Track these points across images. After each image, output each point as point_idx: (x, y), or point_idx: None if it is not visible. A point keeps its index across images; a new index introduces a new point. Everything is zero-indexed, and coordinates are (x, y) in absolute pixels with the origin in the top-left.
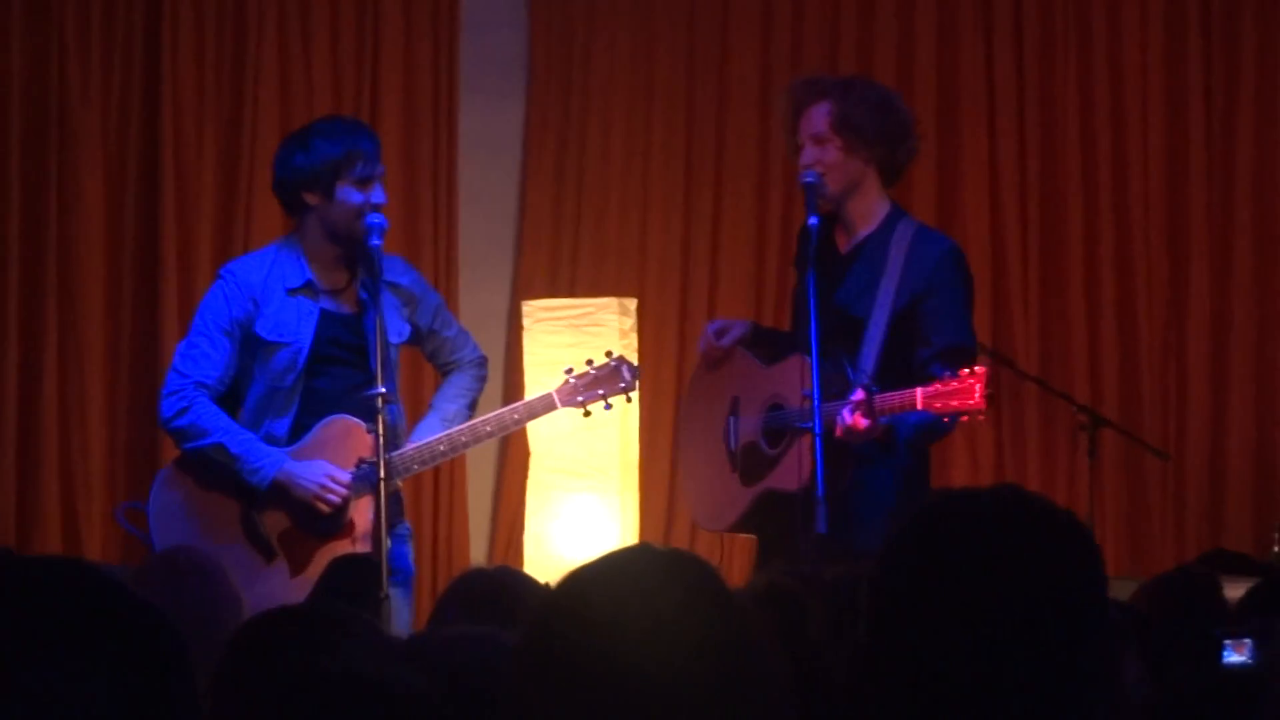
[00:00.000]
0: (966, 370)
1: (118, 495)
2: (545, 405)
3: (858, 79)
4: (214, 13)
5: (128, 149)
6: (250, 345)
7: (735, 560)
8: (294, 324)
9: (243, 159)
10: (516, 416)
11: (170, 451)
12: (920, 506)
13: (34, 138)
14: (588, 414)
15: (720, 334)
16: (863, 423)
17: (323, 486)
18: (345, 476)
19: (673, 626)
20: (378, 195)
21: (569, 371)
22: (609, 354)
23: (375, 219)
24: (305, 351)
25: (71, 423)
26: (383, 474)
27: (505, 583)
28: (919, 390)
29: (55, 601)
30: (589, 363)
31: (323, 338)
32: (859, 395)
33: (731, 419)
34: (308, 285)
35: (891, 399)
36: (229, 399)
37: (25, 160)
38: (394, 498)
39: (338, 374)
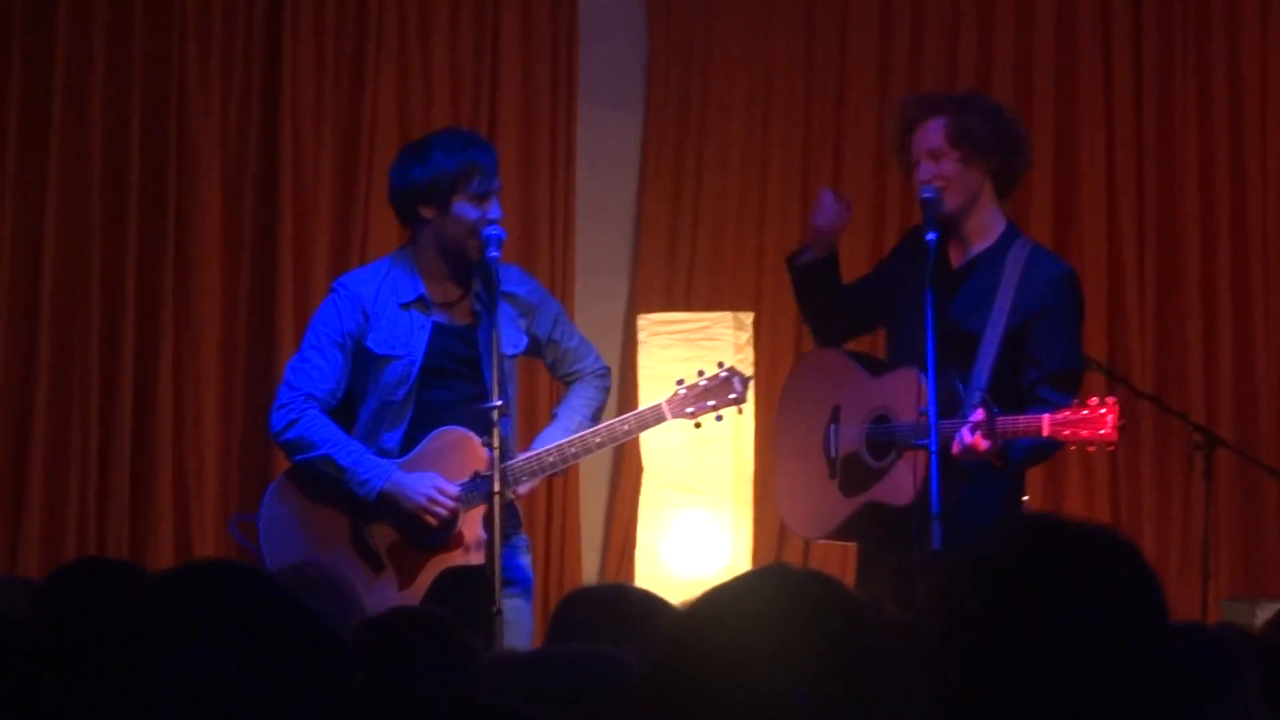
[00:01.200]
0: (1096, 400)
1: (230, 504)
2: (655, 416)
3: (969, 92)
4: (334, 20)
5: (246, 157)
6: (362, 359)
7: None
8: (406, 338)
9: (360, 168)
10: (626, 428)
11: (284, 461)
12: (990, 532)
13: (153, 145)
14: (698, 425)
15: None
16: (984, 444)
17: (430, 499)
18: (454, 489)
19: (805, 649)
20: (494, 210)
21: (680, 383)
22: (720, 365)
23: (493, 231)
24: (418, 365)
25: (186, 431)
26: (498, 487)
27: (616, 600)
28: (1047, 417)
29: (229, 606)
30: (700, 374)
31: (435, 351)
32: (979, 415)
33: (832, 427)
34: (420, 300)
35: (1016, 423)
36: (343, 413)
37: (144, 168)
38: (509, 510)
39: (451, 386)
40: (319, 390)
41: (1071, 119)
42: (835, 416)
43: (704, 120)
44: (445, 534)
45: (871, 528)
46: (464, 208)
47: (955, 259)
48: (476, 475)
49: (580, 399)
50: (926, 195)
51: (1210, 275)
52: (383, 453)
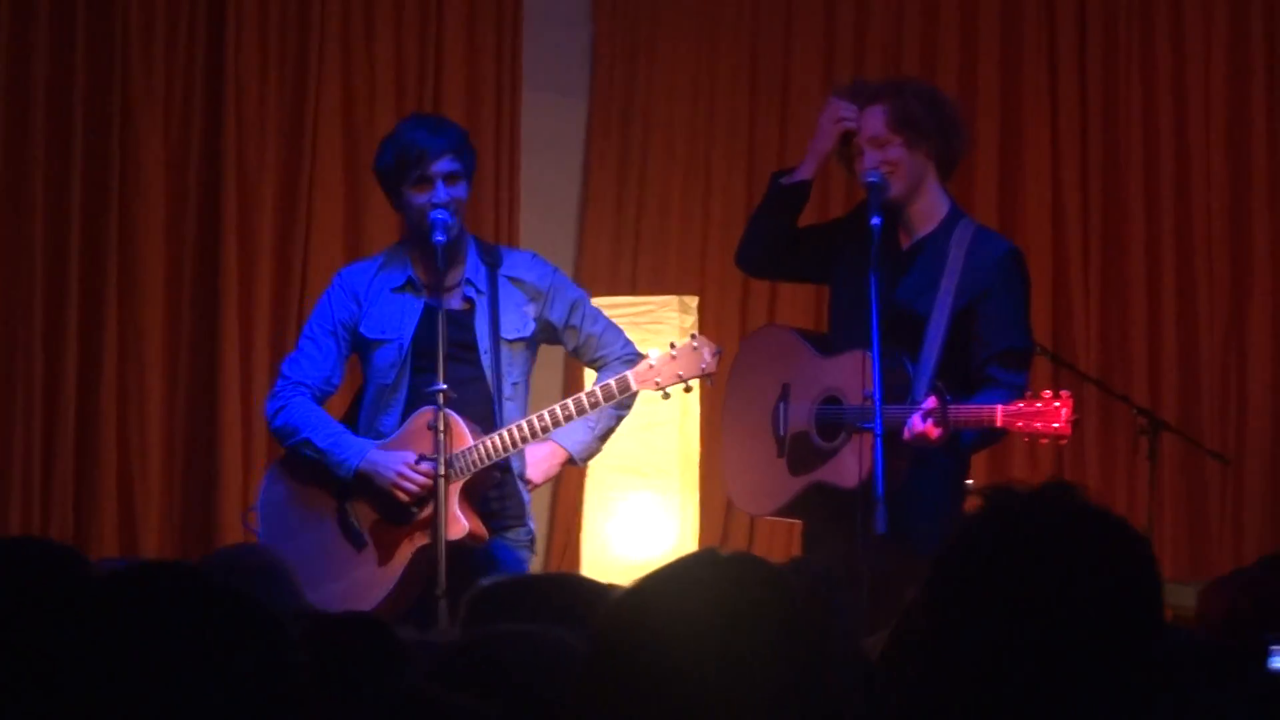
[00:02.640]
0: (1050, 393)
1: (174, 495)
2: (621, 386)
3: (905, 78)
4: (278, 10)
5: (190, 147)
6: (359, 346)
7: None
8: (396, 320)
9: (305, 157)
10: (593, 400)
11: (230, 450)
12: (975, 511)
13: (97, 137)
14: (666, 396)
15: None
16: (935, 431)
17: (400, 474)
18: (426, 465)
19: (739, 631)
20: (439, 193)
21: (648, 355)
22: (693, 336)
23: (437, 215)
24: (407, 346)
25: (129, 422)
26: (442, 470)
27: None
28: (1000, 407)
29: (176, 609)
30: (671, 345)
31: (426, 333)
32: (932, 403)
33: (782, 405)
34: (409, 282)
35: (968, 412)
36: (353, 405)
37: (88, 160)
38: (515, 502)
39: (449, 369)
40: (310, 379)
41: (1016, 105)
42: (785, 395)
43: (648, 105)
44: (420, 509)
45: (817, 508)
46: (411, 195)
47: (903, 242)
48: (453, 455)
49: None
50: (872, 179)
51: (1155, 259)
52: (380, 438)
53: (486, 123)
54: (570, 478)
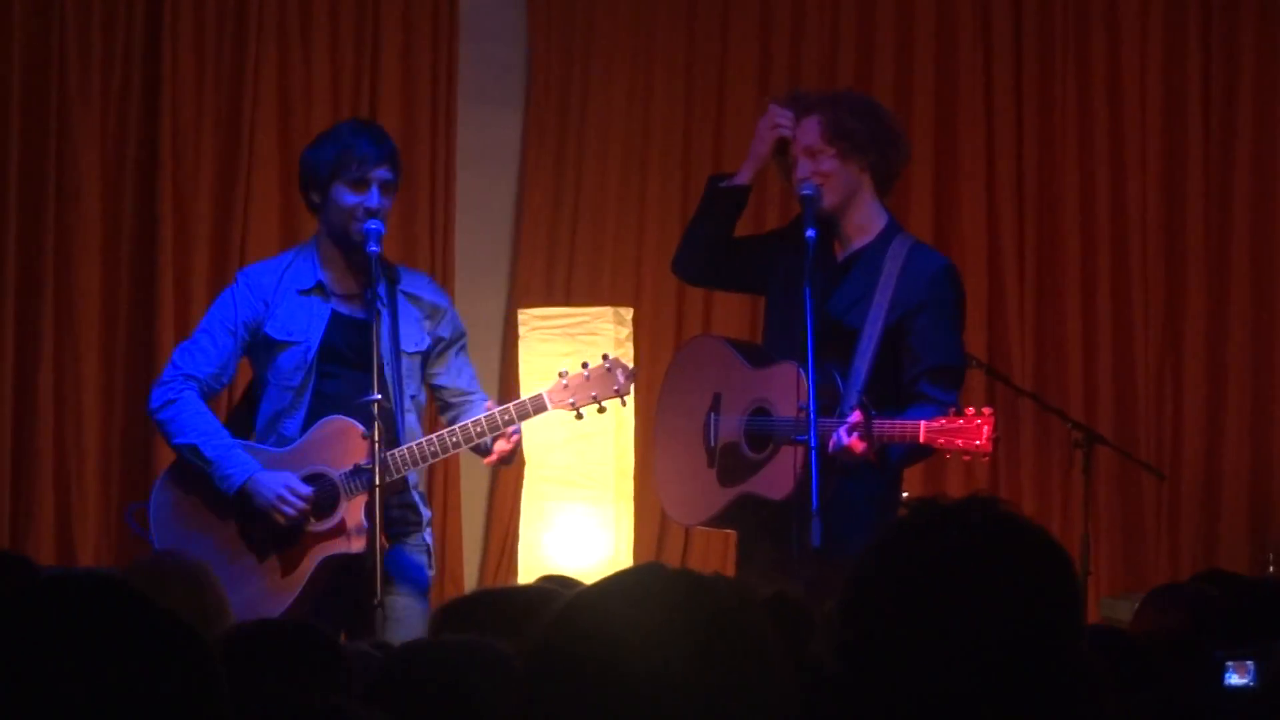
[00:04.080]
0: (973, 410)
1: (112, 495)
2: (536, 406)
3: (842, 90)
4: (214, 18)
5: (126, 151)
6: (262, 347)
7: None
8: (304, 323)
9: (240, 164)
10: (507, 417)
11: (165, 451)
12: (892, 523)
13: (32, 138)
14: (579, 416)
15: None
16: (859, 445)
17: (280, 498)
18: (305, 490)
19: (676, 636)
20: (373, 199)
21: (562, 374)
22: (605, 357)
23: (371, 225)
24: (314, 350)
25: (66, 422)
26: (378, 480)
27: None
28: (923, 423)
29: (89, 621)
30: (584, 365)
31: (332, 339)
32: (856, 417)
33: (712, 415)
34: (318, 286)
35: (892, 427)
36: (245, 403)
37: (23, 160)
38: (412, 510)
39: (349, 378)
40: (200, 372)
41: (951, 117)
42: (716, 405)
43: (584, 116)
44: (318, 522)
45: (747, 519)
46: (340, 191)
47: (838, 254)
48: (358, 466)
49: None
50: (806, 192)
51: (1090, 274)
52: (283, 441)
53: (422, 133)
54: (506, 487)
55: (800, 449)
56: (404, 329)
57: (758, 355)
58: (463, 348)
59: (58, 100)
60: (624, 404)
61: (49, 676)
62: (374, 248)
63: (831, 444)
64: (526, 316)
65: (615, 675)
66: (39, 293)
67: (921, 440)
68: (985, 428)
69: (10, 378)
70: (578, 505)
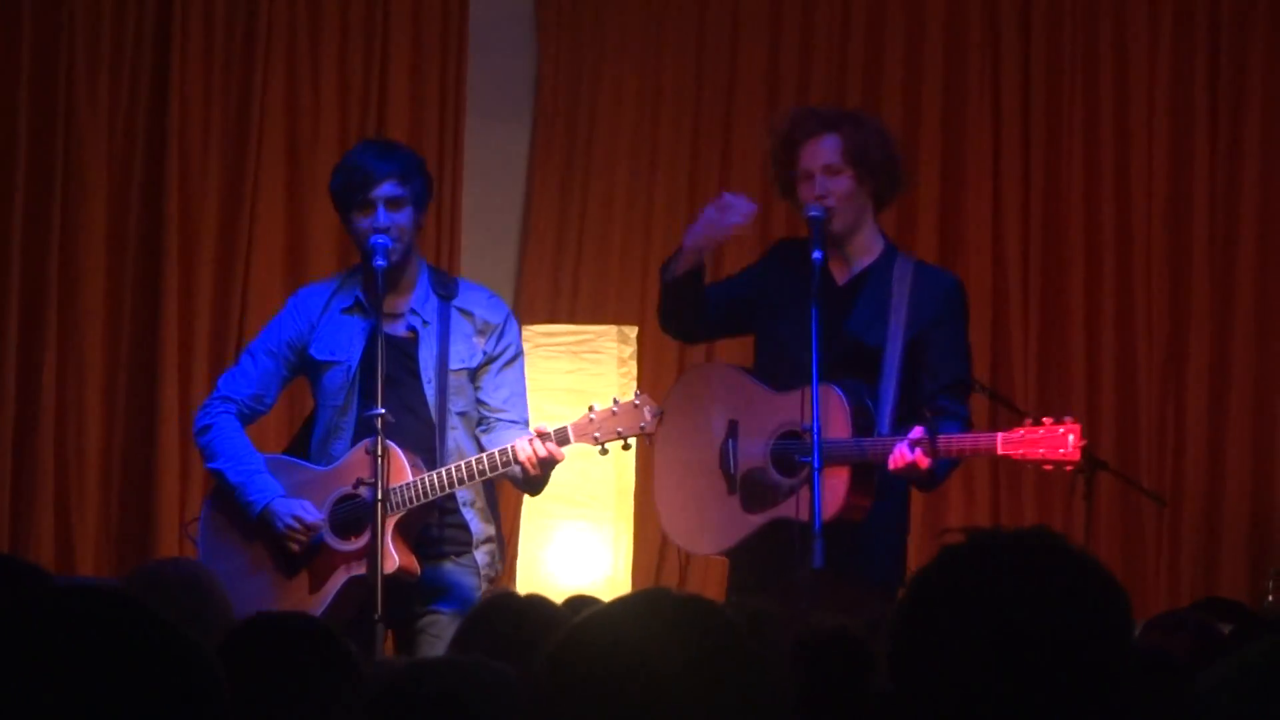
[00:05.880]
0: (1050, 419)
1: (111, 499)
2: (560, 437)
3: (861, 112)
4: (223, 27)
5: (133, 158)
6: (309, 368)
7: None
8: (345, 342)
9: (247, 176)
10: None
11: (167, 458)
12: (949, 549)
13: (39, 143)
14: (604, 451)
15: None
16: (925, 461)
17: (288, 527)
18: (312, 517)
19: (685, 672)
20: (380, 218)
21: (591, 408)
22: (636, 393)
23: (378, 239)
24: (355, 368)
25: (68, 427)
26: (380, 496)
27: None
28: (999, 435)
29: (96, 635)
30: (614, 400)
31: (372, 356)
32: (918, 433)
33: (730, 442)
34: (357, 303)
35: (962, 441)
36: (306, 428)
37: (30, 165)
38: (463, 531)
39: (390, 396)
40: (237, 393)
41: (959, 139)
42: (733, 431)
43: (591, 133)
44: (326, 551)
45: (773, 545)
46: (353, 218)
47: (839, 276)
48: (360, 483)
49: (526, 433)
50: (814, 214)
51: (1094, 300)
52: (331, 461)
53: (430, 147)
54: (506, 504)
55: (840, 470)
56: (453, 345)
57: (776, 379)
58: (506, 364)
59: (65, 108)
60: (649, 442)
61: (50, 687)
62: (380, 261)
63: (894, 461)
64: (531, 333)
65: (620, 699)
66: (43, 297)
67: (1000, 452)
68: (1071, 436)
69: (12, 389)
70: (578, 523)
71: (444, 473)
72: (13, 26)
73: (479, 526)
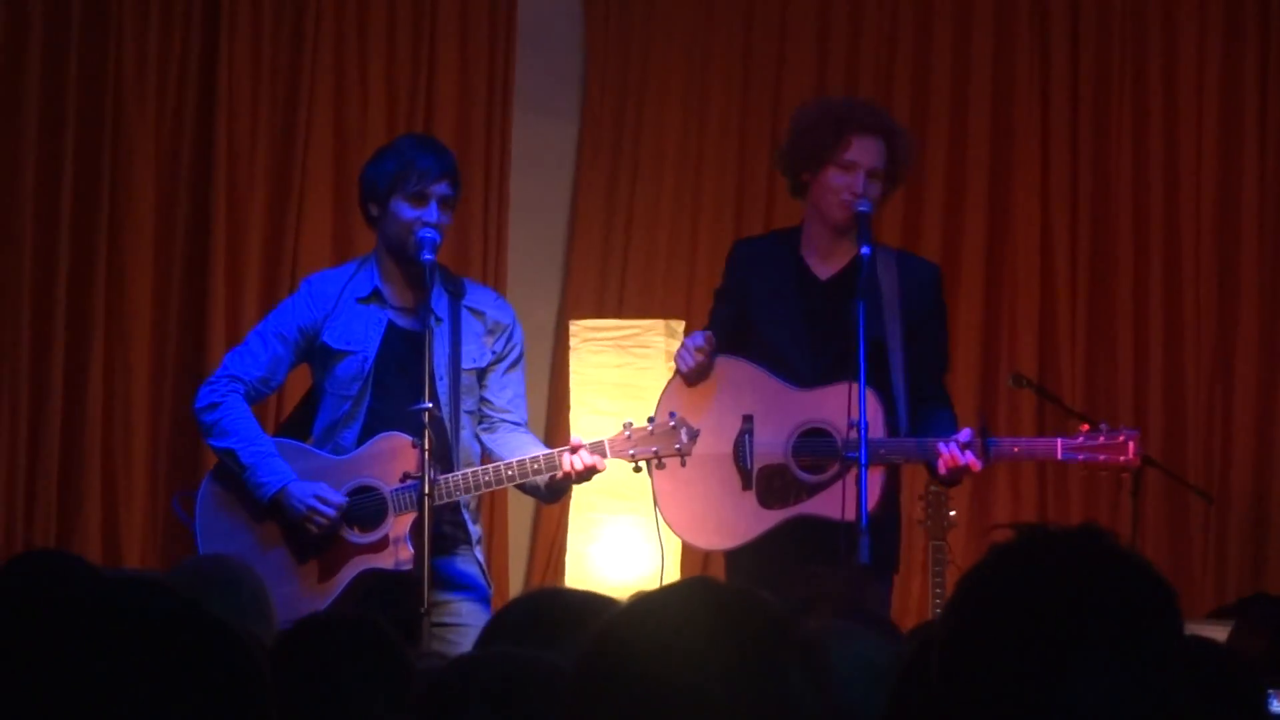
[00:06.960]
0: (1106, 425)
1: (158, 495)
2: (596, 452)
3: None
4: (271, 22)
5: (180, 158)
6: (320, 356)
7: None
8: (361, 333)
9: (295, 170)
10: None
11: (211, 457)
12: (999, 546)
13: (87, 141)
14: (637, 469)
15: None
16: (977, 465)
17: (311, 509)
18: (336, 498)
19: (722, 662)
20: (431, 213)
21: (627, 425)
22: (671, 414)
23: (426, 233)
24: (371, 360)
25: (115, 424)
26: (427, 489)
27: (546, 604)
28: (1059, 441)
29: (141, 626)
30: (650, 419)
31: (390, 350)
32: (968, 435)
33: (746, 437)
34: (375, 294)
35: (1023, 444)
36: (302, 412)
37: (78, 162)
38: (461, 528)
39: (405, 390)
40: (246, 374)
41: (1008, 131)
42: (749, 426)
43: (639, 128)
44: (339, 541)
45: (793, 542)
46: (399, 205)
47: (820, 273)
48: (406, 476)
49: (530, 438)
50: (863, 209)
51: (1142, 296)
52: (339, 451)
53: (477, 142)
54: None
55: (879, 467)
56: (464, 345)
57: (795, 375)
58: (512, 365)
59: (113, 111)
60: (683, 464)
61: (96, 678)
62: (428, 256)
63: (944, 463)
64: (578, 328)
65: (659, 689)
66: (90, 295)
67: (1060, 458)
68: (1131, 444)
69: (60, 382)
70: (625, 518)
71: (473, 474)
72: (62, 28)
73: (474, 529)
